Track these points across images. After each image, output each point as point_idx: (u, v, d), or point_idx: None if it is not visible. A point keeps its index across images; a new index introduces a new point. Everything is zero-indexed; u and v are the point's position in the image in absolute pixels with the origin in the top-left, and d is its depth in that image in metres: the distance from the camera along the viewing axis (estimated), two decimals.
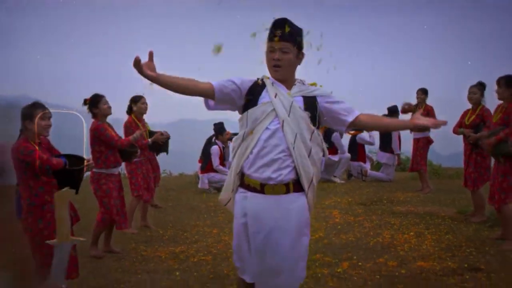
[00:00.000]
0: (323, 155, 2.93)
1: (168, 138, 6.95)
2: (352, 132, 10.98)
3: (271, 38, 2.77)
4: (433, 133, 8.85)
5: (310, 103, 2.84)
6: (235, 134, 9.72)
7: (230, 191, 2.92)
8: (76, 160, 4.03)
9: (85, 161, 4.04)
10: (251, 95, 2.85)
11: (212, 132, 10.05)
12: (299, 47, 2.82)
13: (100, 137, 5.25)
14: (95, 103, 5.31)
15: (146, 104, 6.56)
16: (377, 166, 11.52)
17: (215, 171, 9.60)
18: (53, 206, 3.82)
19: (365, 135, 10.75)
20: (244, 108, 2.87)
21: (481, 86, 6.46)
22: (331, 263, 5.01)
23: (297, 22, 2.81)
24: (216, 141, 9.82)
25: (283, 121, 2.74)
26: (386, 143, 10.14)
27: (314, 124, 2.81)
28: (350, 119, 2.85)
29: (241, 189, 2.86)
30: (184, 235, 6.37)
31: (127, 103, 6.62)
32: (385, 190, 9.06)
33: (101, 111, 5.33)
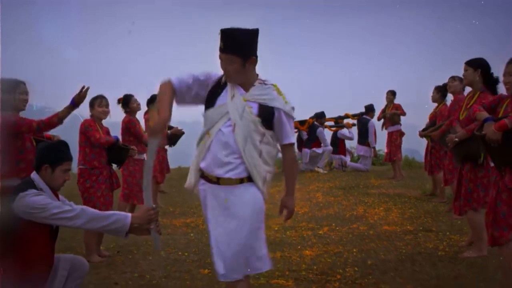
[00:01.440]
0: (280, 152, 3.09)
1: (183, 133, 8.06)
2: (333, 128, 12.25)
3: (219, 48, 2.90)
4: (406, 128, 10.17)
5: (266, 111, 2.94)
6: None
7: (193, 181, 3.07)
8: (124, 147, 5.43)
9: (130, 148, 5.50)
10: (211, 94, 3.02)
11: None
12: (245, 55, 2.87)
13: (130, 129, 6.36)
14: (127, 102, 6.44)
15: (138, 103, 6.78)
16: (356, 159, 12.75)
17: None
18: (99, 171, 5.10)
19: (345, 131, 12.02)
20: (205, 107, 3.05)
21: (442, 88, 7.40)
22: (314, 228, 6.24)
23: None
24: None
25: (234, 124, 2.89)
26: (363, 137, 11.41)
27: (267, 128, 2.94)
28: (284, 142, 3.04)
29: (201, 180, 3.04)
30: (192, 211, 7.57)
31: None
32: (362, 177, 10.31)
33: (131, 108, 6.45)
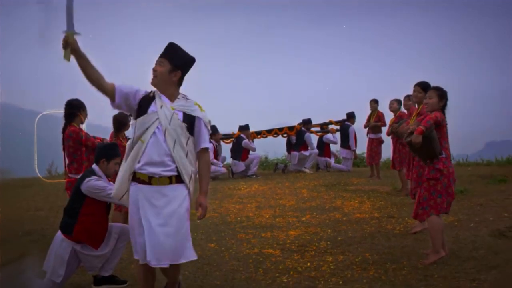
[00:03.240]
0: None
1: None
2: (319, 133, 13.60)
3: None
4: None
5: (189, 118, 3.54)
6: (226, 134, 12.27)
7: (124, 188, 3.54)
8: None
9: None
10: (142, 104, 3.51)
11: None
12: (175, 64, 3.51)
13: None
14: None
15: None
16: (340, 161, 14.08)
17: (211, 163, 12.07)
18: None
19: (330, 136, 13.35)
20: (136, 116, 3.54)
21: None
22: (298, 216, 7.55)
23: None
24: (211, 140, 12.26)
25: (165, 129, 3.44)
26: (345, 141, 12.77)
27: (190, 133, 3.54)
28: (202, 146, 3.63)
29: (133, 183, 3.51)
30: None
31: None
32: (344, 177, 11.62)
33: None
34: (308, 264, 5.13)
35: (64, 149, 5.71)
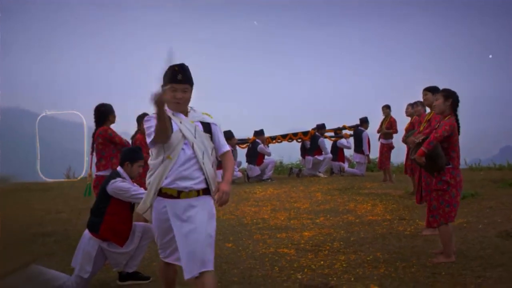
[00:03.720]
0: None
1: None
2: (333, 138, 13.82)
3: (173, 80, 3.46)
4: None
5: (207, 127, 3.62)
6: (241, 139, 12.57)
7: (148, 204, 3.55)
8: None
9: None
10: None
11: None
12: (192, 85, 3.58)
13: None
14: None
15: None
16: (353, 166, 14.29)
17: None
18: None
19: (343, 141, 13.59)
20: None
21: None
22: (312, 218, 7.80)
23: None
24: None
25: (192, 143, 3.49)
26: (358, 146, 12.99)
27: (212, 142, 3.62)
28: (223, 150, 3.67)
29: (159, 198, 3.51)
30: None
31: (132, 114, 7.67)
32: (357, 181, 11.84)
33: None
34: (322, 262, 5.37)
35: (92, 151, 6.17)
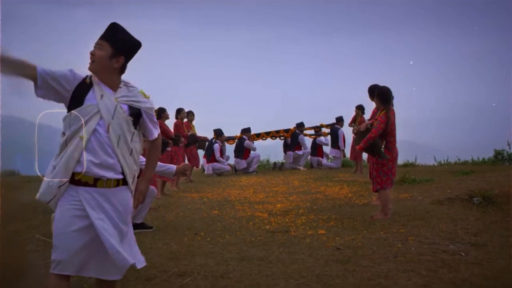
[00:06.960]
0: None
1: (206, 140, 11.53)
2: (313, 136, 15.34)
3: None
4: None
5: (135, 111, 3.03)
6: (230, 137, 14.14)
7: (54, 192, 2.89)
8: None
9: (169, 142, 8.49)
10: (77, 93, 2.90)
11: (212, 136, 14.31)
12: (118, 49, 2.94)
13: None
14: (178, 112, 9.70)
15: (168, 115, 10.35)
16: (331, 160, 15.79)
17: (217, 161, 13.81)
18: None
19: (322, 138, 15.12)
20: (68, 107, 2.92)
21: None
22: (286, 196, 9.27)
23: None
24: (217, 141, 14.01)
25: (108, 124, 2.89)
26: (335, 142, 14.55)
27: (135, 127, 3.04)
28: (152, 138, 3.21)
29: (71, 185, 2.90)
30: (204, 190, 10.62)
31: None
32: (332, 172, 13.33)
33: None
34: (287, 220, 6.86)
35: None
